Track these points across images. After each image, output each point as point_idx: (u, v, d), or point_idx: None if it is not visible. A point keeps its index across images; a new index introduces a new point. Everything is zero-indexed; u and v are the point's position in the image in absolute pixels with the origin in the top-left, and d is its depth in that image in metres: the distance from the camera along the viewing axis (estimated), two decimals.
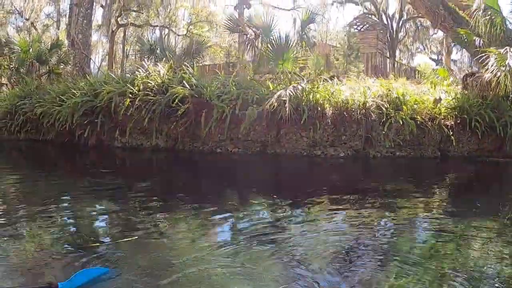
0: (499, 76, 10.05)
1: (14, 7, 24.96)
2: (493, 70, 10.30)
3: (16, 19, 27.47)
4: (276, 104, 9.21)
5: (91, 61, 16.90)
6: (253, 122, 9.76)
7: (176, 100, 9.96)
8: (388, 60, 18.85)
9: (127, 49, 27.23)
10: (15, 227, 4.26)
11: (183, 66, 11.09)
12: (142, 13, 22.56)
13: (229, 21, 13.24)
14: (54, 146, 11.90)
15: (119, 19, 20.09)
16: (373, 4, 24.13)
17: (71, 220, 4.82)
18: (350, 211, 5.77)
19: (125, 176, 7.93)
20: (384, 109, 9.96)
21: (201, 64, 12.97)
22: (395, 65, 19.80)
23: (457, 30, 12.15)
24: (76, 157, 10.94)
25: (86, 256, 3.45)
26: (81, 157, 10.94)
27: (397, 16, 24.14)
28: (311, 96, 9.99)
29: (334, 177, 8.83)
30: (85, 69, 14.54)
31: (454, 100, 10.99)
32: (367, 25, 19.57)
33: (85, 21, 14.56)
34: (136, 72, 11.33)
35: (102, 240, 4.09)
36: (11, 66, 15.80)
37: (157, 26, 23.34)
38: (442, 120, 10.57)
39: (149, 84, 10.65)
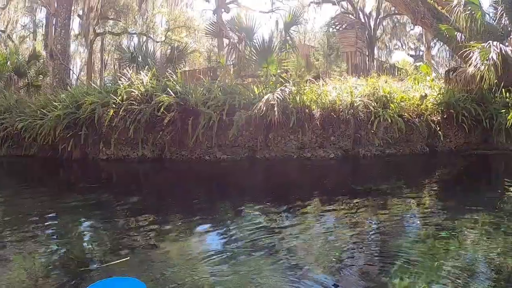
0: (483, 70, 10.09)
1: None
2: (476, 64, 10.35)
3: None
4: (264, 108, 9.05)
5: (71, 71, 16.50)
6: (241, 127, 9.59)
7: (162, 109, 9.71)
8: (367, 58, 18.90)
9: (105, 58, 26.76)
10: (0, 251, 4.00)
11: (167, 73, 10.84)
12: (120, 21, 22.15)
13: (211, 26, 13.04)
14: (37, 162, 11.45)
15: (96, 28, 19.68)
16: (349, 3, 24.21)
17: (59, 241, 4.51)
18: (343, 212, 5.67)
19: (113, 190, 7.57)
20: (371, 108, 9.88)
21: (180, 70, 12.71)
22: (376, 63, 19.89)
23: (438, 26, 12.18)
24: (60, 172, 10.50)
25: (77, 281, 3.24)
26: (65, 171, 10.54)
27: (374, 14, 24.30)
28: (298, 98, 9.86)
29: (326, 178, 8.69)
30: (65, 80, 14.17)
31: (439, 95, 11.00)
32: (346, 24, 19.55)
33: (63, 31, 14.14)
34: (119, 81, 11.01)
35: (93, 262, 3.86)
36: None
37: (135, 33, 22.98)
38: (429, 116, 10.57)
39: (132, 93, 10.35)
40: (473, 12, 11.23)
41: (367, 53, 18.56)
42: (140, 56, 12.75)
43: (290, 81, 10.54)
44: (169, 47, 19.08)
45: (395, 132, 9.89)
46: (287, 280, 3.43)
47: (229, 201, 6.49)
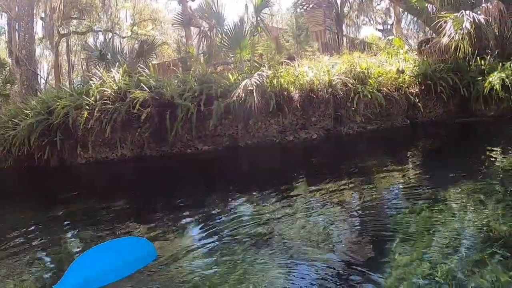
0: (457, 39, 10.10)
1: None
2: (450, 34, 10.34)
3: None
4: (243, 94, 8.84)
5: (39, 77, 15.94)
6: (220, 116, 9.37)
7: (137, 105, 9.41)
8: (337, 36, 18.75)
9: (72, 60, 26.02)
10: None
11: (139, 68, 10.51)
12: (84, 19, 21.52)
13: (179, 16, 12.69)
14: (14, 174, 10.88)
15: (60, 29, 19.05)
16: None
17: (47, 259, 4.22)
18: (331, 191, 5.62)
19: (96, 196, 7.17)
20: (350, 85, 9.79)
21: (150, 64, 12.38)
22: (345, 40, 19.81)
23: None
24: (39, 182, 9.91)
25: None
26: (45, 181, 9.94)
27: None
28: (275, 82, 9.68)
29: (310, 160, 8.59)
30: (34, 86, 13.65)
31: (415, 67, 10.97)
32: (313, 4, 19.34)
33: (27, 35, 13.59)
34: (90, 81, 10.63)
35: None
36: None
37: (100, 31, 22.38)
38: (407, 89, 10.54)
39: (105, 92, 9.99)
40: None
41: (336, 31, 18.40)
42: (109, 53, 12.35)
43: (265, 65, 10.33)
44: (136, 42, 18.65)
45: (375, 107, 9.82)
46: (280, 264, 3.37)
47: (217, 193, 6.31)
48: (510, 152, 7.29)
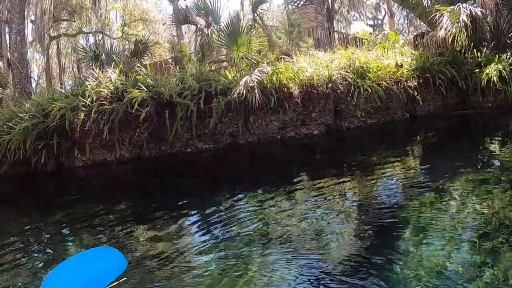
0: (454, 32, 10.10)
1: None
2: (447, 27, 10.34)
3: None
4: (244, 91, 8.69)
5: (32, 79, 15.62)
6: (221, 114, 9.22)
7: (136, 105, 9.21)
8: (329, 31, 18.68)
9: (63, 62, 25.64)
10: None
11: (136, 67, 10.31)
12: (74, 21, 21.21)
13: (175, 14, 12.49)
14: (10, 179, 10.47)
15: (50, 31, 18.75)
16: None
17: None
18: (338, 186, 5.59)
19: (97, 200, 6.98)
20: (349, 80, 9.71)
21: (146, 63, 12.17)
22: (337, 36, 19.76)
23: None
24: (37, 187, 9.74)
25: None
26: (42, 186, 9.78)
27: None
28: (274, 78, 9.56)
29: (314, 155, 8.53)
30: (28, 89, 13.35)
31: (413, 61, 10.93)
32: (304, 0, 19.27)
33: (18, 37, 13.28)
34: (86, 82, 10.40)
35: None
36: None
37: (90, 32, 22.10)
38: (405, 82, 10.49)
39: (102, 92, 9.77)
40: None
41: (327, 27, 18.33)
42: (103, 54, 12.13)
43: (264, 61, 10.21)
44: (128, 42, 18.41)
45: (376, 101, 9.74)
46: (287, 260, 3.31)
47: (220, 192, 6.19)
48: (510, 142, 7.31)
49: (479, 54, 10.87)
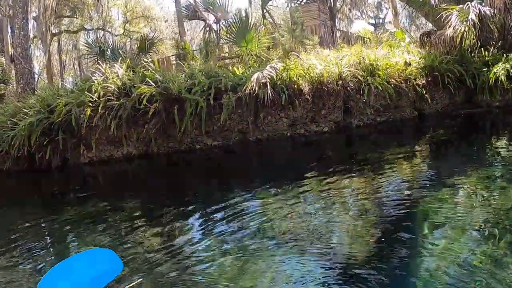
0: (463, 31, 10.05)
1: None
2: (455, 26, 10.29)
3: None
4: (256, 87, 8.55)
5: (36, 75, 15.35)
6: (231, 110, 9.07)
7: (144, 101, 9.04)
8: (332, 30, 18.61)
9: (63, 59, 25.36)
10: None
11: (143, 63, 10.13)
12: (76, 18, 20.99)
13: (185, 9, 12.33)
14: (13, 176, 10.14)
15: (51, 28, 18.50)
16: None
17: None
18: (352, 183, 5.46)
19: (104, 198, 6.67)
20: (360, 77, 9.61)
21: (155, 59, 11.99)
22: (339, 34, 19.70)
23: None
24: (42, 184, 9.43)
25: None
26: (47, 183, 9.41)
27: None
28: (284, 75, 9.43)
29: (327, 153, 8.42)
30: (31, 85, 13.08)
31: (421, 59, 10.87)
32: None
33: (22, 32, 13.06)
34: (92, 77, 10.20)
35: None
36: None
37: (92, 29, 21.89)
38: (414, 81, 10.42)
39: (109, 88, 9.59)
40: None
41: (330, 25, 18.27)
42: (108, 49, 11.93)
43: (274, 58, 10.08)
44: (129, 40, 18.23)
45: (386, 99, 9.66)
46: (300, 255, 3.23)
47: (234, 189, 6.00)
48: None
49: (486, 53, 10.85)
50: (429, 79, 10.54)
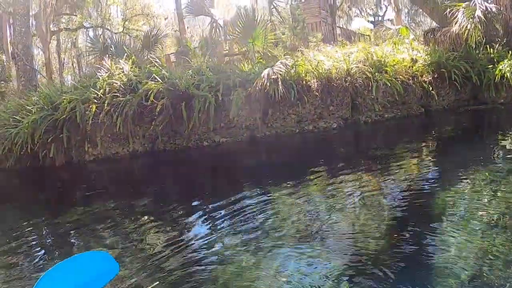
0: (469, 28, 10.02)
1: None
2: (461, 23, 10.26)
3: None
4: (267, 83, 8.43)
5: (37, 73, 15.09)
6: (240, 106, 8.94)
7: (151, 97, 8.89)
8: (332, 27, 18.53)
9: (62, 57, 25.07)
10: None
11: (150, 59, 9.97)
12: (76, 15, 20.76)
13: (191, 5, 12.17)
14: (16, 174, 9.84)
15: (51, 25, 18.25)
16: None
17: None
18: (364, 178, 5.40)
19: (112, 196, 6.50)
20: (368, 73, 9.53)
21: (162, 55, 11.84)
22: (339, 32, 19.64)
23: None
24: (46, 183, 9.02)
25: None
26: (52, 181, 9.05)
27: None
28: (293, 71, 9.32)
29: (338, 148, 8.33)
30: (33, 82, 12.83)
31: (428, 56, 10.81)
32: None
33: (23, 29, 12.83)
34: (97, 73, 10.01)
35: None
36: None
37: (92, 27, 21.67)
38: (420, 77, 10.36)
39: (114, 84, 9.43)
40: None
41: (330, 22, 18.19)
42: (112, 46, 11.75)
43: (281, 54, 9.96)
44: (128, 37, 18.06)
45: (394, 95, 9.58)
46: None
47: (242, 187, 5.82)
48: None
49: (491, 50, 10.82)
50: (436, 76, 10.48)
